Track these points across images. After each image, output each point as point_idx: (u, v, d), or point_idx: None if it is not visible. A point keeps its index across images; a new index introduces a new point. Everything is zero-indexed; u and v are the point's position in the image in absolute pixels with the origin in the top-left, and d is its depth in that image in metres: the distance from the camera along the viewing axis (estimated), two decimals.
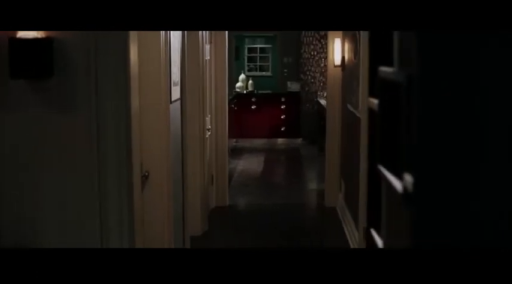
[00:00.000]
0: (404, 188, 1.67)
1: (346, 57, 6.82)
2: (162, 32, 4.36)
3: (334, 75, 7.49)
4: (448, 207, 1.58)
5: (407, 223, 1.71)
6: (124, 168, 3.30)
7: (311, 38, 12.49)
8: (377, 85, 2.01)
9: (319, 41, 12.47)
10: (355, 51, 5.81)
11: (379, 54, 2.45)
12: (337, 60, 7.22)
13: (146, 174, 4.29)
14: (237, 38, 13.58)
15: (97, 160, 3.22)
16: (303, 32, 12.47)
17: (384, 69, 1.97)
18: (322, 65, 12.55)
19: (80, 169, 3.24)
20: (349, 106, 6.49)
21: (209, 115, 7.19)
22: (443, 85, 1.56)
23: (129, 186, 3.36)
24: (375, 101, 2.18)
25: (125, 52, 3.26)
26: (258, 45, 14.43)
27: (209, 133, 7.16)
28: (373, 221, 2.50)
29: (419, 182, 1.57)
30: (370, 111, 2.34)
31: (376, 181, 2.33)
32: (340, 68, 7.30)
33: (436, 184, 1.57)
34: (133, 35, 3.34)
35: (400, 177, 1.78)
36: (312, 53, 12.55)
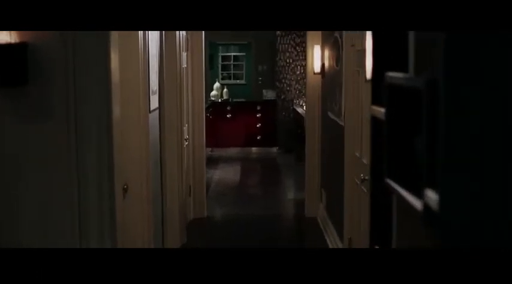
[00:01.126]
0: (426, 206, 1.51)
1: (326, 64, 6.68)
2: (140, 38, 4.18)
3: (314, 82, 7.36)
4: (479, 226, 1.42)
5: (429, 243, 1.56)
6: (105, 181, 3.11)
7: (286, 45, 12.36)
8: (384, 92, 1.86)
9: (295, 48, 12.35)
10: (337, 58, 5.68)
11: (383, 59, 2.30)
12: (317, 67, 7.08)
13: (125, 187, 4.10)
14: (211, 46, 13.41)
15: (76, 173, 3.03)
16: (278, 39, 12.34)
17: (393, 74, 1.82)
18: (298, 72, 12.43)
19: (57, 182, 3.04)
20: (330, 114, 6.35)
21: (186, 125, 7.00)
22: (472, 91, 1.40)
23: (111, 199, 3.17)
24: (381, 109, 2.03)
25: (106, 58, 3.08)
26: (232, 53, 14.29)
27: (186, 143, 6.97)
28: (378, 238, 2.34)
29: (446, 200, 1.41)
30: (374, 119, 2.18)
31: (379, 195, 2.19)
32: (319, 75, 7.17)
33: (465, 201, 1.41)
34: (113, 40, 3.16)
35: (416, 192, 1.63)
36: (288, 61, 12.43)
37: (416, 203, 1.62)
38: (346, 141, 5.17)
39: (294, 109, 12.08)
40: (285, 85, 12.51)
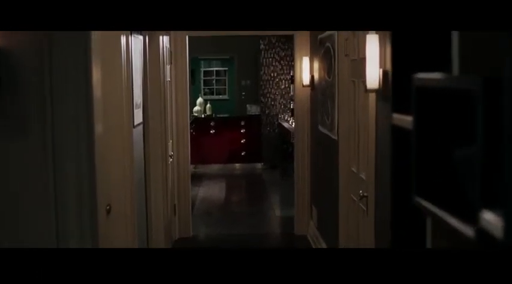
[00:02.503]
0: (481, 231, 1.25)
1: (316, 76, 6.44)
2: (123, 49, 3.90)
3: (302, 95, 7.11)
4: None
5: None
6: (86, 203, 2.83)
7: (271, 59, 12.13)
8: (413, 97, 1.60)
9: (279, 62, 12.12)
10: (329, 69, 5.44)
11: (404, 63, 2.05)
12: (306, 80, 6.84)
13: (108, 207, 3.80)
14: (193, 61, 13.12)
15: (54, 195, 2.74)
16: (262, 52, 12.11)
17: (425, 75, 1.56)
18: (283, 86, 12.19)
19: (31, 204, 2.74)
20: (321, 127, 6.10)
21: (171, 140, 6.71)
22: None
23: (92, 222, 2.89)
24: (405, 117, 1.77)
25: (86, 70, 2.81)
26: (214, 68, 14.04)
27: (171, 159, 6.67)
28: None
29: None
30: (395, 129, 1.92)
31: (402, 215, 1.94)
32: (309, 88, 6.92)
33: None
34: (95, 51, 2.89)
35: (462, 214, 1.37)
36: (272, 75, 12.18)
37: (463, 227, 1.36)
38: (341, 156, 4.92)
39: (280, 124, 11.82)
40: (269, 100, 12.27)
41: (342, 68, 4.83)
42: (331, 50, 5.31)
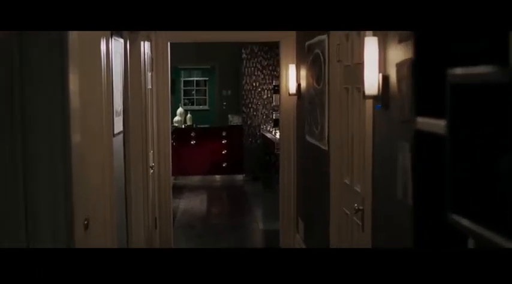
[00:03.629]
0: None
1: (303, 84, 6.21)
2: (103, 52, 3.64)
3: (288, 104, 6.88)
4: None
5: None
6: (61, 218, 2.56)
7: (252, 69, 11.90)
8: (448, 96, 1.36)
9: (261, 71, 11.89)
10: (319, 76, 5.21)
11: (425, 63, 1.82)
12: (292, 88, 6.60)
13: (86, 222, 3.52)
14: (173, 71, 12.85)
15: (24, 211, 2.46)
16: (244, 62, 11.87)
17: (464, 70, 1.32)
18: (265, 96, 11.96)
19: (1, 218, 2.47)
20: (309, 138, 5.86)
21: (152, 151, 6.44)
22: None
23: (69, 240, 2.62)
24: (435, 121, 1.53)
25: (62, 73, 2.55)
26: (195, 78, 13.78)
27: (152, 170, 6.39)
28: None
29: None
30: (419, 135, 1.68)
31: (425, 233, 1.70)
32: (295, 97, 6.69)
33: None
34: (72, 57, 2.64)
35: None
36: (254, 84, 11.95)
37: None
38: (332, 167, 4.68)
39: (263, 135, 11.58)
40: (251, 110, 12.02)
41: (334, 74, 4.60)
42: (321, 56, 5.08)
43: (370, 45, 3.33)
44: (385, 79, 3.24)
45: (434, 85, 1.39)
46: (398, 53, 3.06)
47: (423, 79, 1.76)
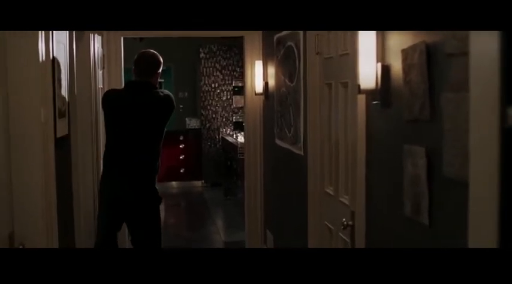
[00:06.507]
0: None
1: (271, 83, 5.64)
2: (42, 48, 3.00)
3: (254, 105, 6.29)
4: None
5: None
6: None
7: (211, 69, 11.26)
8: None
9: (221, 71, 11.27)
10: (292, 72, 4.63)
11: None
12: (259, 87, 6.02)
13: (21, 247, 2.88)
14: (125, 72, 12.15)
15: None
16: (202, 61, 11.22)
17: None
18: (225, 98, 11.34)
19: None
20: (279, 141, 5.28)
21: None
22: None
23: None
24: None
25: None
26: None
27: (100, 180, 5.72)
28: None
29: None
30: (508, 131, 1.12)
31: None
32: (261, 96, 6.11)
33: None
34: None
35: None
36: (213, 85, 11.31)
37: None
38: (310, 175, 4.10)
39: (223, 139, 10.95)
40: (210, 112, 11.38)
41: (312, 69, 4.02)
42: (295, 49, 4.51)
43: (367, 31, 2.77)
44: (385, 69, 2.69)
45: None
46: (404, 37, 2.52)
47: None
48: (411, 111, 2.41)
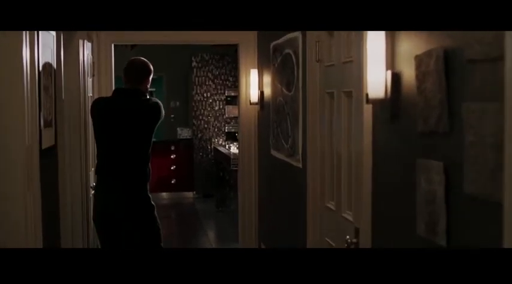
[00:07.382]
0: None
1: (267, 92, 5.45)
2: (26, 55, 2.80)
3: (249, 114, 6.10)
4: None
5: None
6: None
7: (204, 78, 11.07)
8: None
9: (213, 81, 11.08)
10: (290, 81, 4.45)
11: None
12: (254, 96, 5.83)
13: None
14: (116, 81, 11.95)
15: None
16: (194, 70, 11.03)
17: None
18: (217, 108, 11.15)
19: None
20: (275, 153, 5.09)
21: (92, 169, 5.56)
22: None
23: None
24: None
25: None
26: None
27: (93, 191, 5.52)
28: None
29: None
30: None
31: None
32: (257, 106, 5.92)
33: None
34: None
35: None
36: (205, 95, 11.12)
37: None
38: (310, 188, 3.91)
39: (215, 149, 10.75)
40: (202, 122, 11.18)
41: (312, 77, 3.84)
42: (293, 57, 4.33)
43: (375, 34, 2.59)
44: (396, 77, 2.51)
45: None
46: (418, 43, 2.34)
47: None
48: (426, 122, 2.23)
